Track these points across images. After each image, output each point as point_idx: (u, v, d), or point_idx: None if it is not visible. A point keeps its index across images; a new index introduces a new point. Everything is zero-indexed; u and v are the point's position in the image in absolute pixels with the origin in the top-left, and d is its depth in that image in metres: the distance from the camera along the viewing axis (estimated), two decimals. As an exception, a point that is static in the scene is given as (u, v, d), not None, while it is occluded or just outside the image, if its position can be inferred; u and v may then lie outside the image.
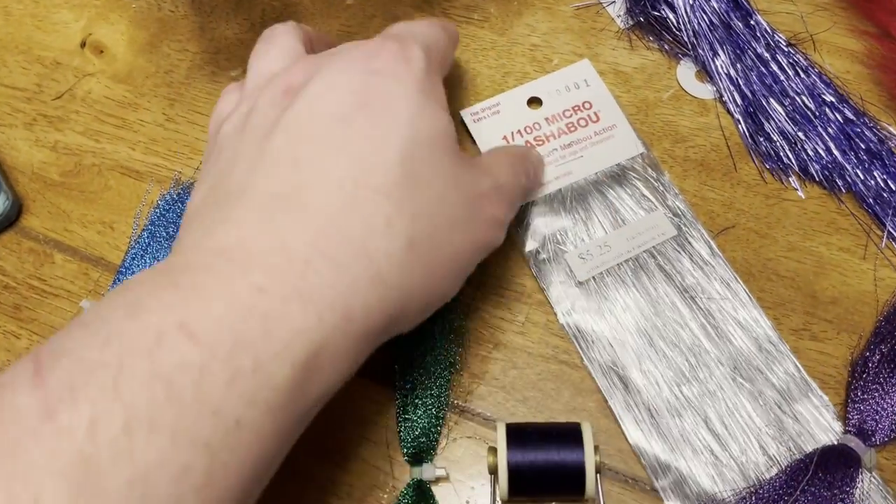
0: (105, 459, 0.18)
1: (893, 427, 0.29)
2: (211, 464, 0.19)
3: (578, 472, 0.29)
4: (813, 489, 0.28)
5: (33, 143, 0.40)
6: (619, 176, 0.36)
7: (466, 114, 0.38)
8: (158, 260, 0.35)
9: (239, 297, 0.21)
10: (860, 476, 0.29)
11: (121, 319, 0.20)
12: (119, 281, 0.35)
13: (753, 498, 0.29)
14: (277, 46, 0.30)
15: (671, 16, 0.39)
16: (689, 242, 0.34)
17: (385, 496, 0.31)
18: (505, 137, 0.37)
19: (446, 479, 0.31)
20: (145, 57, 0.42)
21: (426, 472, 0.31)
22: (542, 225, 0.35)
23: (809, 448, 0.30)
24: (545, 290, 0.34)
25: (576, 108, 0.37)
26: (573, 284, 0.34)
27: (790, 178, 0.36)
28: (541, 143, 0.36)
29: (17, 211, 0.37)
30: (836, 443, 0.30)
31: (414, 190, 0.25)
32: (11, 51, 0.42)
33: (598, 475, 0.29)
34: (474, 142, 0.37)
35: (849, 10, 0.39)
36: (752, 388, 0.31)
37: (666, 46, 0.39)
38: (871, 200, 0.35)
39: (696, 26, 0.38)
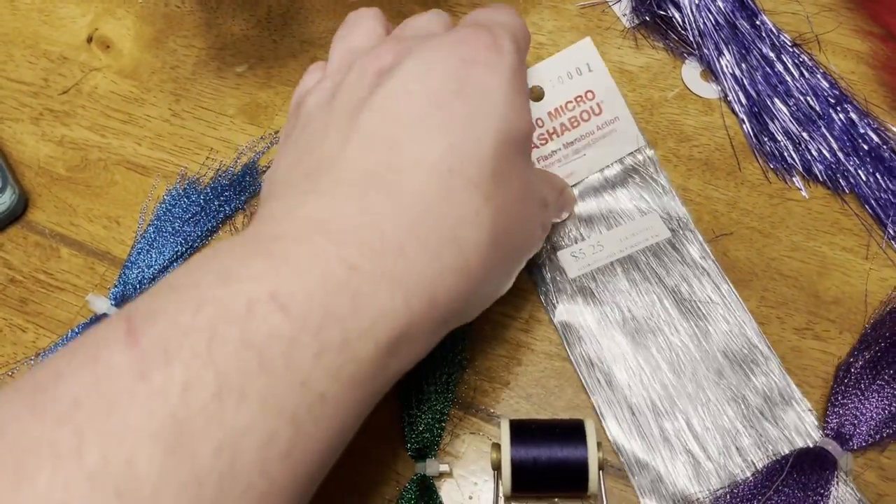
0: (197, 423, 0.18)
1: (871, 433, 0.29)
2: (296, 433, 0.20)
3: (581, 468, 0.29)
4: (787, 489, 0.28)
5: (39, 137, 0.40)
6: (617, 174, 0.36)
7: None
8: (164, 256, 0.35)
9: (331, 272, 0.21)
10: (835, 479, 0.29)
11: (212, 286, 0.20)
12: (126, 277, 0.35)
13: (728, 497, 0.29)
14: (362, 28, 0.30)
15: (677, 15, 0.39)
16: (683, 245, 0.34)
17: (389, 491, 0.31)
18: None
19: (450, 474, 0.31)
20: (151, 52, 0.42)
21: (430, 467, 0.31)
22: None
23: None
24: (537, 285, 0.34)
25: (578, 99, 0.36)
26: (565, 281, 0.34)
27: (794, 178, 0.36)
28: (544, 141, 0.36)
29: (23, 205, 0.38)
30: (813, 446, 0.30)
31: (499, 185, 0.25)
32: (18, 45, 0.42)
33: (601, 472, 0.29)
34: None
35: (854, 11, 0.39)
36: (735, 391, 0.31)
37: (671, 46, 0.39)
38: (873, 201, 0.35)
39: (702, 26, 0.38)
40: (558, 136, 0.36)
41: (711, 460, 0.30)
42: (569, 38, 0.40)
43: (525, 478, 0.29)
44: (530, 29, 0.40)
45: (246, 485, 0.19)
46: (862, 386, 0.30)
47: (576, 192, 0.36)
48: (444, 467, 0.31)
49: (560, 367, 0.33)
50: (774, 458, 0.30)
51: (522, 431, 0.30)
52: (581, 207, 0.35)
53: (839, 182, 0.35)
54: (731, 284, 0.33)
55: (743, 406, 0.31)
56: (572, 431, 0.30)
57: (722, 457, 0.30)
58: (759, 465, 0.30)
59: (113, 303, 0.35)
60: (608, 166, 0.36)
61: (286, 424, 0.19)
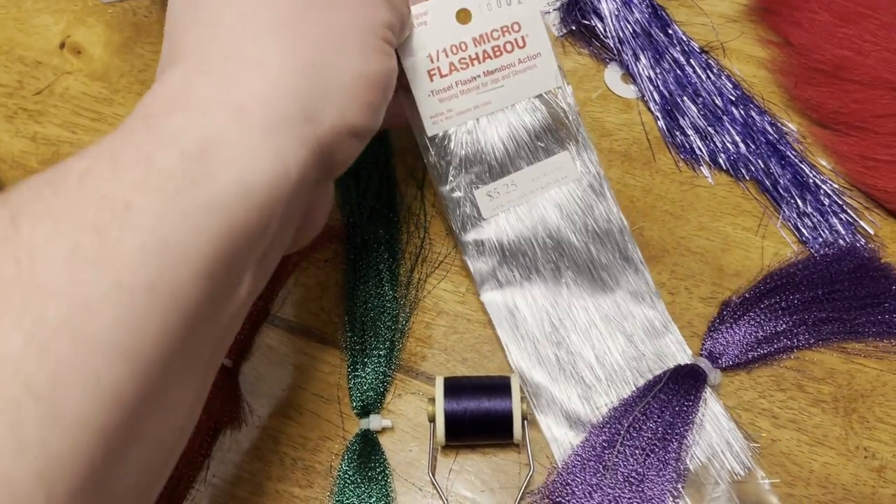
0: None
1: (738, 355, 0.34)
2: (101, 241, 0.19)
3: (507, 418, 0.32)
4: (663, 396, 0.33)
5: (14, 134, 0.43)
6: (535, 108, 0.37)
7: None
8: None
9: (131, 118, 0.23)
10: (704, 390, 0.33)
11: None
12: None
13: (614, 408, 0.34)
14: None
15: (599, 25, 0.43)
16: (591, 185, 0.37)
17: (336, 446, 0.34)
18: (430, 57, 0.34)
19: (391, 429, 0.34)
20: (121, 57, 0.45)
21: (373, 422, 0.34)
22: (454, 159, 0.36)
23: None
24: (453, 227, 0.36)
25: (504, 30, 0.35)
26: (479, 220, 0.36)
27: (701, 167, 0.40)
28: (465, 66, 0.35)
29: (-2, 195, 0.40)
30: (689, 363, 0.35)
31: (302, 22, 0.25)
32: (-6, 50, 0.45)
33: (524, 421, 0.33)
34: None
35: (756, 22, 0.44)
36: (621, 325, 0.36)
37: (595, 52, 0.44)
38: (769, 186, 0.39)
39: (621, 34, 0.43)
40: (480, 63, 0.35)
41: (600, 382, 0.34)
42: (504, 45, 0.44)
43: (457, 427, 0.32)
44: (469, 37, 0.45)
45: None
46: (734, 318, 0.35)
47: (492, 128, 0.36)
48: (386, 422, 0.34)
49: (492, 335, 0.36)
50: (656, 376, 0.34)
51: (455, 387, 0.33)
52: (497, 147, 0.36)
53: (740, 170, 0.40)
54: (628, 231, 0.37)
55: (630, 338, 0.35)
56: (499, 387, 0.33)
57: (610, 381, 0.35)
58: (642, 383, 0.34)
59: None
60: (526, 107, 0.37)
61: (88, 236, 0.19)
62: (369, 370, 0.35)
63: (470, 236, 0.36)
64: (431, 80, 0.34)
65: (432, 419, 0.33)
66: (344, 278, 0.38)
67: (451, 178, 0.36)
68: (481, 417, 0.33)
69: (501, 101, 0.36)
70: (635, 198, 0.40)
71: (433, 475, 0.33)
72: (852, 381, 0.35)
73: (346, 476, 0.33)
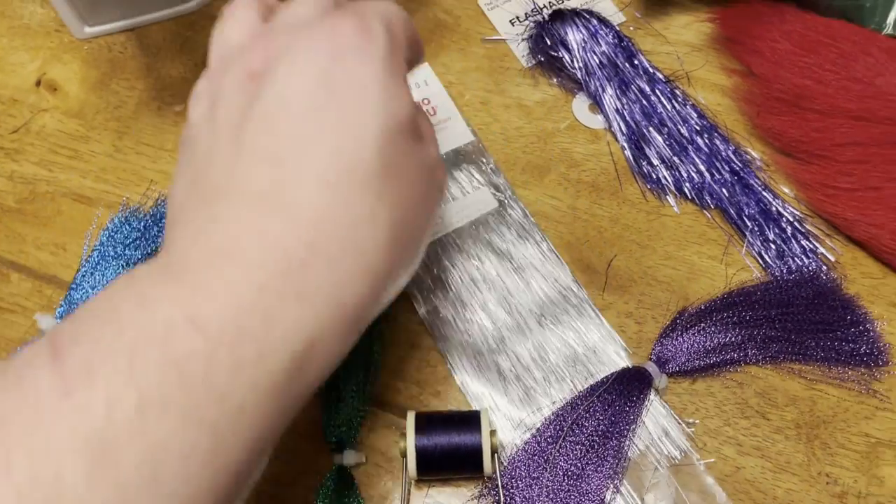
0: (120, 437, 0.19)
1: (685, 362, 0.36)
2: (216, 443, 0.21)
3: (477, 453, 0.33)
4: (608, 396, 0.35)
5: (-9, 173, 0.43)
6: (452, 160, 0.42)
7: None
8: (107, 278, 0.39)
9: (241, 296, 0.22)
10: (650, 394, 0.36)
11: (132, 310, 0.22)
12: (71, 297, 0.39)
13: (560, 409, 0.35)
14: (232, 18, 0.29)
15: (567, 56, 0.44)
16: (509, 214, 0.41)
17: (311, 481, 0.35)
18: None
19: (365, 463, 0.35)
20: (96, 94, 0.46)
21: (347, 457, 0.35)
22: None
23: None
24: None
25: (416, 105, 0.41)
26: None
27: (667, 197, 0.41)
28: None
29: (-25, 235, 0.41)
30: (636, 366, 0.36)
31: (390, 177, 0.25)
32: (-30, 89, 0.46)
33: (494, 455, 0.34)
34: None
35: (720, 51, 0.45)
36: (558, 329, 0.38)
37: (563, 83, 0.45)
38: (733, 214, 0.40)
39: (588, 65, 0.44)
40: None
41: (539, 385, 0.36)
42: (474, 77, 0.45)
43: (428, 463, 0.33)
44: (441, 70, 0.45)
45: (170, 493, 0.20)
46: (684, 328, 0.37)
47: None
48: (360, 457, 0.35)
49: (464, 367, 0.37)
50: (604, 377, 0.36)
51: (425, 421, 0.34)
52: None
53: (705, 199, 0.41)
54: (549, 242, 0.40)
55: (567, 343, 0.37)
56: (469, 421, 0.34)
57: (547, 382, 0.37)
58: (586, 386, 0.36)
59: (59, 320, 0.38)
60: (444, 155, 0.42)
61: (206, 436, 0.21)
62: (343, 405, 0.36)
63: None
64: None
65: (404, 454, 0.34)
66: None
67: None
68: (451, 452, 0.33)
69: None
70: (603, 228, 0.40)
71: (406, 509, 0.34)
72: (814, 408, 0.36)
73: (321, 512, 0.33)
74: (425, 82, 0.45)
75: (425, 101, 0.44)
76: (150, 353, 0.21)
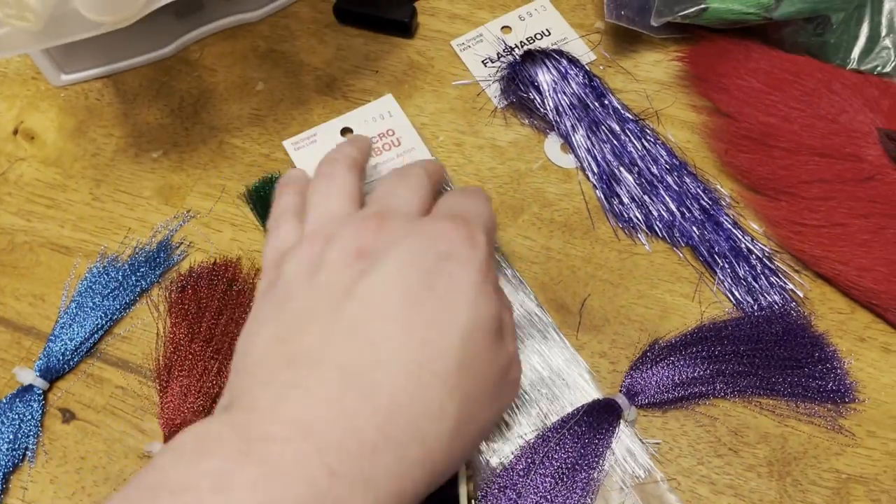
0: None
1: (654, 395, 0.37)
2: None
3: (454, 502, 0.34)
4: (577, 428, 0.35)
5: (-31, 224, 0.43)
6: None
7: (288, 144, 0.44)
8: (85, 329, 0.39)
9: (315, 481, 0.23)
10: (619, 426, 0.36)
11: (209, 491, 0.22)
12: (49, 349, 0.39)
13: (532, 442, 0.36)
14: (336, 188, 0.32)
15: (537, 97, 0.45)
16: None
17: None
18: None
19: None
20: (74, 141, 0.46)
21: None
22: None
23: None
24: None
25: (381, 135, 0.44)
26: None
27: (639, 235, 0.42)
28: None
29: (-47, 288, 0.41)
30: (606, 398, 0.37)
31: (465, 374, 0.27)
32: (-52, 139, 0.46)
33: (471, 502, 0.34)
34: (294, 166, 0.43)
35: (688, 89, 0.46)
36: (524, 354, 0.38)
37: (535, 123, 0.45)
38: (704, 252, 0.41)
39: (559, 106, 0.44)
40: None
41: (516, 417, 0.37)
42: (447, 118, 0.46)
43: None
44: (414, 111, 0.46)
45: None
46: (657, 360, 0.37)
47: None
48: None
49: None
50: (575, 409, 0.37)
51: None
52: None
53: (676, 237, 0.41)
54: (514, 269, 0.41)
55: (532, 370, 0.38)
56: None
57: (524, 414, 0.37)
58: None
59: (37, 374, 0.38)
60: None
61: None
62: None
63: None
64: None
65: None
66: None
67: None
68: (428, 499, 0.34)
69: None
70: (576, 267, 0.41)
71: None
72: (785, 445, 0.36)
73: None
74: (389, 113, 0.45)
75: (389, 132, 0.44)
76: None
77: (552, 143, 0.45)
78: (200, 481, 0.22)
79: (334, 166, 0.33)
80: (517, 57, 0.46)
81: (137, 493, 0.23)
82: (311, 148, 0.44)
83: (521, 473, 0.35)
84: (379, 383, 0.25)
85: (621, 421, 0.36)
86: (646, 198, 0.42)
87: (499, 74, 0.46)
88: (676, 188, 0.42)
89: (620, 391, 0.37)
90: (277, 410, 0.25)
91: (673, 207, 0.42)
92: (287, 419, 0.25)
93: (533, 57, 0.45)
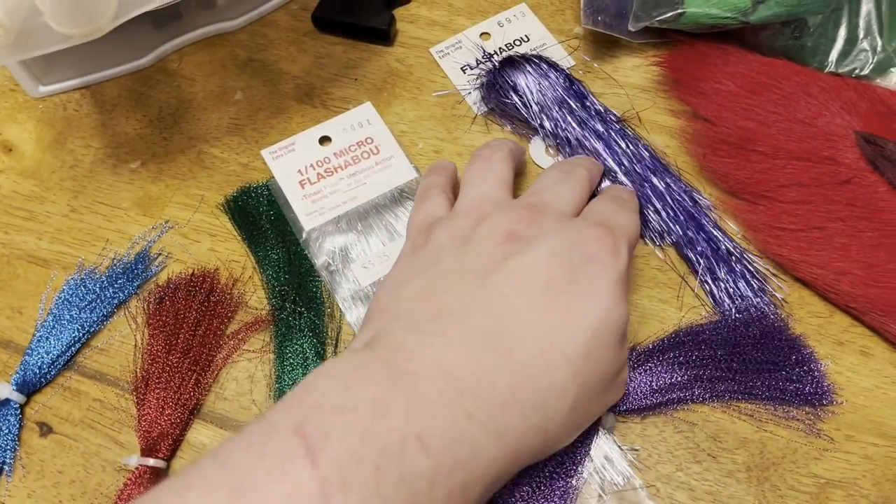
0: None
1: (633, 401, 0.36)
2: None
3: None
4: None
5: (-54, 237, 0.43)
6: (396, 198, 0.43)
7: (266, 153, 0.44)
8: (62, 342, 0.39)
9: (457, 420, 0.25)
10: (597, 433, 0.36)
11: (371, 417, 0.24)
12: (26, 363, 0.39)
13: None
14: (495, 174, 0.35)
15: (519, 101, 0.45)
16: None
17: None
18: (299, 171, 0.43)
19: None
20: (52, 153, 0.46)
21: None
22: (330, 242, 0.42)
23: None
24: (335, 296, 0.40)
25: (360, 143, 0.44)
26: (359, 289, 0.40)
27: (618, 241, 0.42)
28: (330, 174, 0.43)
29: (-70, 302, 0.41)
30: None
31: (589, 364, 0.29)
32: (-75, 152, 0.46)
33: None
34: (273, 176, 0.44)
35: (667, 93, 0.46)
36: None
37: (517, 128, 0.45)
38: (687, 254, 0.41)
39: (540, 109, 0.44)
40: (343, 170, 0.43)
41: None
42: (427, 126, 0.46)
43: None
44: (394, 119, 0.46)
45: None
46: (635, 366, 0.37)
47: (361, 212, 0.43)
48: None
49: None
50: None
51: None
52: (366, 226, 0.42)
53: (655, 238, 0.41)
54: None
55: None
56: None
57: None
58: None
59: (14, 388, 0.38)
60: (391, 193, 0.43)
61: None
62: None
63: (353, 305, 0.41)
64: (303, 188, 0.43)
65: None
66: (272, 368, 0.39)
67: (323, 255, 0.42)
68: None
69: (366, 196, 0.43)
70: (556, 274, 0.41)
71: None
72: (764, 450, 0.36)
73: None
74: (368, 121, 0.45)
75: (368, 140, 0.44)
76: (391, 469, 0.23)
77: (537, 146, 0.45)
78: (359, 405, 0.24)
79: (494, 152, 0.36)
80: (496, 63, 0.46)
81: (301, 410, 0.25)
82: (289, 157, 0.44)
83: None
84: (513, 350, 0.28)
85: (599, 428, 0.36)
86: (625, 203, 0.42)
87: (479, 81, 0.46)
88: (661, 188, 0.42)
89: None
90: (422, 353, 0.27)
91: (658, 207, 0.42)
92: (431, 362, 0.27)
93: (513, 62, 0.45)
